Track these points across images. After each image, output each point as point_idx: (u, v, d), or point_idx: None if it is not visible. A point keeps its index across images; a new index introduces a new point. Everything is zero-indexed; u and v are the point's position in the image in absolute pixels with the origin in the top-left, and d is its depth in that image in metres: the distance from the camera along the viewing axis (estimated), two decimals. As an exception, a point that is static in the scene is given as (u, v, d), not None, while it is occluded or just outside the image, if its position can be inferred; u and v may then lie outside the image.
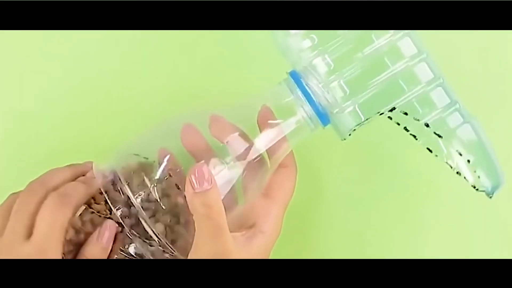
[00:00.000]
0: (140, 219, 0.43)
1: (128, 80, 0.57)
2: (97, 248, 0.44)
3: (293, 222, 0.49)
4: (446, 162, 0.42)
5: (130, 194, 0.43)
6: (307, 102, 0.43)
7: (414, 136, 0.42)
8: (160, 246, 0.44)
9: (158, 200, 0.43)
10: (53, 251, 0.42)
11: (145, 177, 0.44)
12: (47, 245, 0.42)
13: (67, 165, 0.47)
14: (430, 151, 0.42)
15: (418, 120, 0.42)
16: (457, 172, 0.42)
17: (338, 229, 0.56)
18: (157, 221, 0.43)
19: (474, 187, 0.42)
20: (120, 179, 0.44)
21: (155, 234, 0.43)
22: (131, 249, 0.44)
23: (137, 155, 0.45)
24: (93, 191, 0.45)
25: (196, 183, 0.41)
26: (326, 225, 0.56)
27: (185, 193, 0.42)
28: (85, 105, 0.56)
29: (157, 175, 0.44)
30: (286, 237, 0.47)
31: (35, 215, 0.43)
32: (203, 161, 0.42)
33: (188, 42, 0.56)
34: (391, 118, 0.42)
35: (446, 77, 0.43)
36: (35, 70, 0.57)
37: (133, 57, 0.57)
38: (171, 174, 0.44)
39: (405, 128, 0.42)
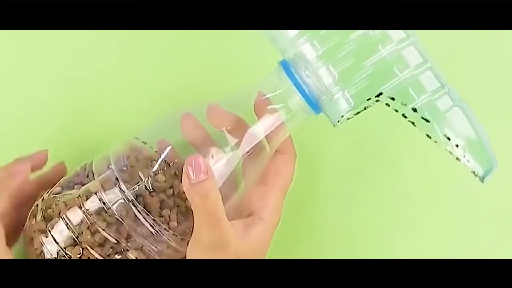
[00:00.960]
0: (134, 210, 0.43)
1: (126, 80, 0.57)
2: None
3: (291, 210, 0.49)
4: (445, 148, 0.41)
5: (126, 190, 0.43)
6: (297, 92, 0.43)
7: (413, 123, 0.42)
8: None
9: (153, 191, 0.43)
10: None
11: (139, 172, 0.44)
12: None
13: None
14: (429, 137, 0.41)
15: (405, 105, 0.41)
16: (457, 158, 0.41)
17: (332, 224, 0.56)
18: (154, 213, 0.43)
19: (474, 173, 0.42)
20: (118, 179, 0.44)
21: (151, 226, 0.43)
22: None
23: (137, 138, 0.46)
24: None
25: (193, 175, 0.41)
26: (322, 219, 0.56)
27: (182, 184, 0.42)
28: (84, 105, 0.56)
29: (155, 167, 0.44)
30: (285, 225, 0.47)
31: None
32: (199, 153, 0.42)
33: (188, 42, 0.57)
34: (389, 105, 0.42)
35: (445, 77, 0.43)
36: (34, 70, 0.57)
37: (132, 57, 0.57)
38: (170, 165, 0.44)
39: (403, 115, 0.41)
